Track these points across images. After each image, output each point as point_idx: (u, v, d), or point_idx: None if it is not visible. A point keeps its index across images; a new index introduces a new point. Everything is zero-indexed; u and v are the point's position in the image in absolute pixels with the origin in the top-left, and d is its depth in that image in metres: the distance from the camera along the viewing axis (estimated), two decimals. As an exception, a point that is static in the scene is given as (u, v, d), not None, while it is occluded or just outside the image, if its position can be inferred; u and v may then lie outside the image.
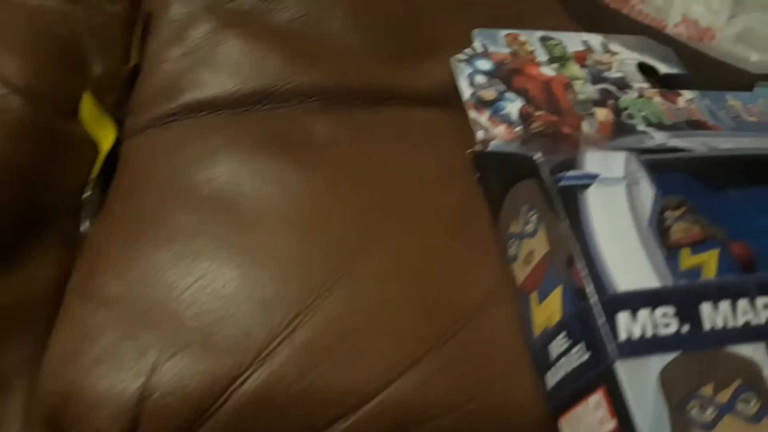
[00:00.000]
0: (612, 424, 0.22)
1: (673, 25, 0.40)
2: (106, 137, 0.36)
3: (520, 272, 0.28)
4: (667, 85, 0.42)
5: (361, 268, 0.29)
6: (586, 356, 0.23)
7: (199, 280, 0.28)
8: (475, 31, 0.40)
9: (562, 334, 0.25)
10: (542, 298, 0.26)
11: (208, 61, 0.37)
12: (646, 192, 0.27)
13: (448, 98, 0.38)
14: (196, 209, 0.31)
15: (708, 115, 0.38)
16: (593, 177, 0.27)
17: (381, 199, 0.32)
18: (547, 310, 0.26)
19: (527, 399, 0.26)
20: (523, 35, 0.40)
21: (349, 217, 0.31)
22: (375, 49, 0.38)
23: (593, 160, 0.28)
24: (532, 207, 0.27)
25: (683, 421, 0.21)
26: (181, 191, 0.32)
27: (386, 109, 0.37)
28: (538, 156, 0.27)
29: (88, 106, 0.37)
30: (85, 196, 0.34)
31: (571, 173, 0.27)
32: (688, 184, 0.30)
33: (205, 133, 0.34)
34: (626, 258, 0.24)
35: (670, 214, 0.28)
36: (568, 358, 0.24)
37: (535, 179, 0.27)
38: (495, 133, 0.34)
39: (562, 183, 0.26)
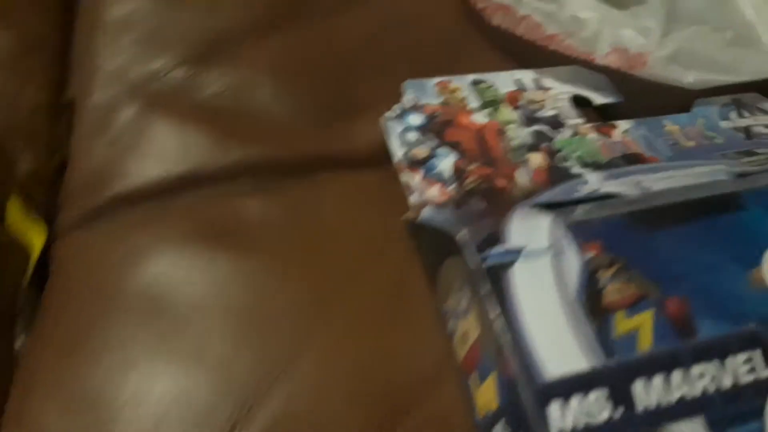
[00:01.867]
0: None
1: (602, 56, 0.40)
2: (35, 240, 0.36)
3: (459, 350, 0.28)
4: (603, 115, 0.41)
5: (298, 365, 0.28)
6: (523, 449, 0.23)
7: (130, 400, 0.27)
8: (405, 84, 0.39)
9: (502, 421, 0.24)
10: (481, 380, 0.26)
11: (134, 148, 0.36)
12: (572, 261, 0.26)
13: (383, 157, 0.37)
14: (128, 315, 0.30)
15: (644, 146, 0.38)
16: (518, 252, 0.26)
17: (316, 281, 0.31)
18: (486, 395, 0.25)
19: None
20: (455, 81, 0.40)
21: (283, 307, 0.30)
22: (304, 116, 0.38)
23: (518, 230, 0.27)
24: (462, 286, 0.27)
25: None
26: (112, 298, 0.31)
27: (319, 177, 0.36)
28: (461, 235, 0.27)
29: (15, 209, 0.36)
30: (17, 308, 0.34)
31: (495, 250, 0.26)
32: (621, 235, 0.29)
33: (135, 228, 0.34)
34: (555, 340, 0.24)
35: (602, 275, 0.28)
36: (509, 447, 0.24)
37: (460, 258, 0.27)
38: (428, 195, 0.34)
39: (487, 263, 0.26)
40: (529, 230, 0.27)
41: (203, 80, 0.38)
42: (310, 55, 0.40)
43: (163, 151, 0.36)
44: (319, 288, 0.31)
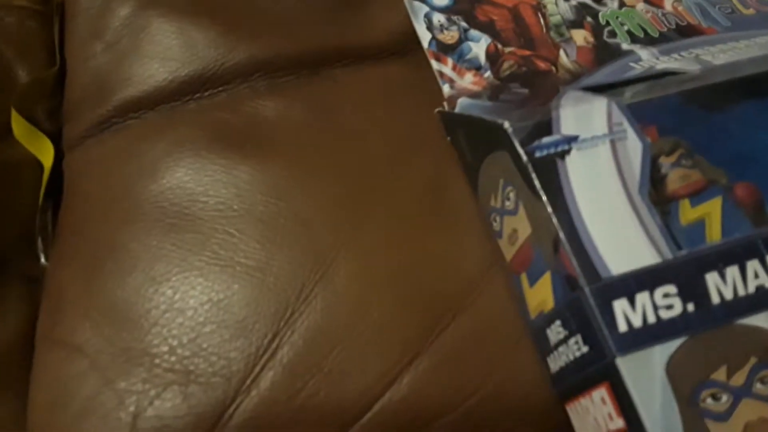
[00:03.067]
0: (620, 422, 0.20)
1: None
2: (45, 154, 0.33)
3: (507, 251, 0.26)
4: (652, -18, 0.37)
5: (336, 271, 0.27)
6: (584, 349, 0.21)
7: (166, 313, 0.26)
8: (427, -43, 0.35)
9: (558, 322, 0.23)
10: (532, 281, 0.24)
11: (134, 52, 0.33)
12: (634, 146, 0.23)
13: (407, 44, 0.34)
14: (151, 229, 0.28)
15: (700, 16, 0.34)
16: (572, 140, 0.23)
17: (347, 184, 0.29)
18: (540, 295, 0.24)
19: (530, 384, 0.25)
20: (483, -50, 0.35)
21: (315, 212, 0.28)
22: (316, 4, 0.34)
23: (570, 116, 0.24)
24: (508, 182, 0.24)
25: (696, 415, 0.20)
26: (132, 211, 0.29)
27: (338, 71, 0.33)
28: (507, 124, 0.24)
29: (19, 122, 0.34)
30: (37, 225, 0.32)
31: (546, 140, 0.23)
32: (682, 115, 0.26)
33: (146, 137, 0.31)
34: (617, 234, 0.22)
35: (664, 161, 0.25)
36: (567, 348, 0.22)
37: (507, 152, 0.24)
38: (462, 84, 0.31)
39: (537, 154, 0.23)
40: (583, 115, 0.24)
41: (202, -32, 0.34)
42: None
43: (166, 52, 0.33)
44: (350, 192, 0.29)
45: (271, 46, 0.33)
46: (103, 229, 0.29)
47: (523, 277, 0.25)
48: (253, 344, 0.25)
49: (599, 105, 0.25)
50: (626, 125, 0.24)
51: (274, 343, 0.25)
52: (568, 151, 0.23)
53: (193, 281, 0.27)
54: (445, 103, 0.30)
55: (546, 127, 0.24)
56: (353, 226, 0.28)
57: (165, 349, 0.25)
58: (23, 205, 0.33)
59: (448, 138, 0.30)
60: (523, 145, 0.23)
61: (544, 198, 0.22)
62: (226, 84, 0.32)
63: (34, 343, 0.29)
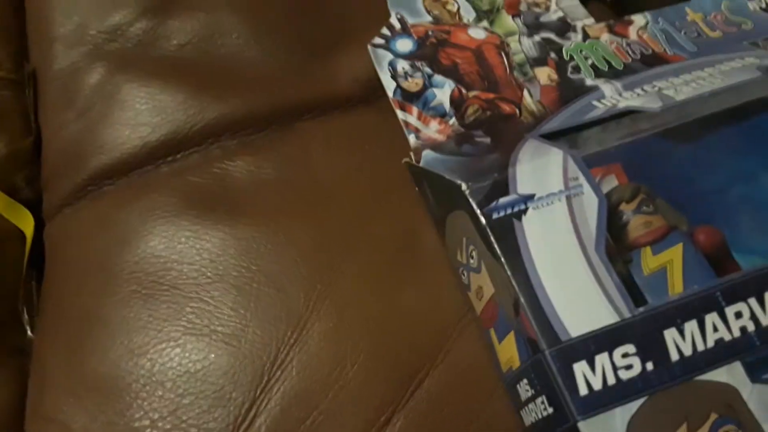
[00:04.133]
0: (585, 483, 0.21)
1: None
2: (26, 224, 0.34)
3: (476, 304, 0.26)
4: (616, 10, 0.37)
5: (310, 333, 0.27)
6: (550, 410, 0.22)
7: (146, 386, 0.27)
8: (389, 1, 0.35)
9: (525, 381, 0.23)
10: (500, 337, 0.24)
11: (105, 119, 0.33)
12: (590, 202, 0.24)
13: (374, 91, 0.34)
14: (129, 300, 0.29)
15: (665, 43, 0.34)
16: (528, 199, 0.24)
17: (318, 242, 0.29)
18: (507, 352, 0.24)
19: (513, 425, 0.25)
20: (445, -9, 0.35)
21: (287, 274, 0.28)
22: (279, 57, 0.34)
23: (528, 173, 0.25)
24: (470, 241, 0.25)
25: (658, 477, 0.20)
26: (109, 282, 0.30)
27: (307, 124, 0.33)
28: (464, 186, 0.24)
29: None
30: (21, 297, 0.33)
31: (503, 201, 0.24)
32: (643, 157, 0.27)
33: (121, 205, 0.32)
34: (575, 294, 0.22)
35: (625, 208, 0.25)
36: (536, 406, 0.23)
37: (466, 212, 0.24)
38: (428, 134, 0.31)
39: (495, 216, 0.23)
40: (539, 171, 0.25)
41: (166, 31, 0.35)
42: (282, -18, 0.36)
43: (136, 117, 0.33)
44: (321, 248, 0.29)
45: (239, 104, 0.33)
46: (82, 302, 0.30)
47: (492, 332, 0.25)
48: (231, 414, 0.26)
49: (555, 159, 0.25)
50: (582, 180, 0.24)
51: (252, 412, 0.26)
52: (524, 211, 0.23)
53: (170, 352, 0.27)
54: (411, 154, 0.30)
55: (503, 185, 0.24)
56: (325, 285, 0.28)
57: (146, 423, 0.26)
58: (9, 277, 0.33)
59: (416, 188, 0.30)
60: (480, 207, 0.24)
61: (503, 260, 0.23)
62: (198, 145, 0.33)
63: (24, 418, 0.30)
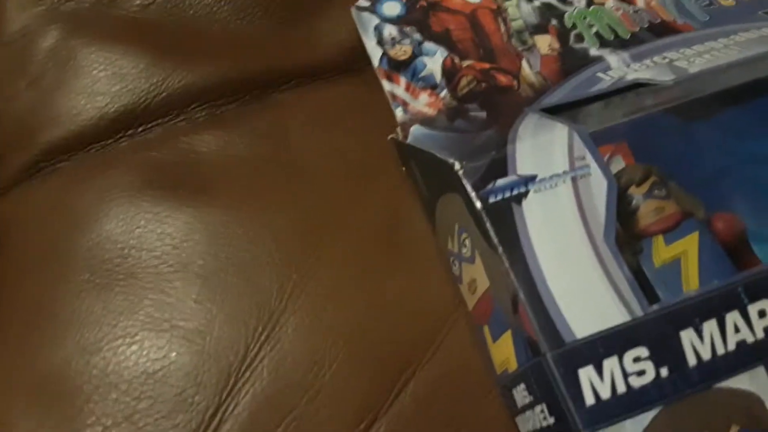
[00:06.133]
0: (591, 503, 0.18)
1: None
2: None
3: (468, 299, 0.24)
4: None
5: (283, 328, 0.25)
6: (551, 420, 0.19)
7: (99, 387, 0.24)
8: (376, -39, 0.32)
9: (522, 385, 0.21)
10: (495, 336, 0.22)
11: (59, 87, 0.30)
12: (599, 184, 0.21)
13: (359, 60, 0.31)
14: (81, 290, 0.26)
15: (675, 11, 0.31)
16: (529, 181, 0.21)
17: (294, 226, 0.27)
18: (503, 353, 0.22)
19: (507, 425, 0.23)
20: (436, -50, 0.32)
21: (259, 262, 0.26)
22: (254, 20, 0.31)
23: (529, 151, 0.22)
24: (463, 228, 0.22)
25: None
26: (62, 269, 0.27)
27: (284, 95, 0.30)
28: (458, 166, 0.21)
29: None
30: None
31: (501, 182, 0.21)
32: (653, 136, 0.24)
33: (76, 183, 0.28)
34: (581, 290, 0.19)
35: (635, 192, 0.23)
36: (534, 414, 0.20)
37: (459, 195, 0.22)
38: (416, 107, 0.28)
39: (492, 200, 0.21)
40: (542, 148, 0.22)
41: (128, -13, 0.32)
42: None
43: (94, 86, 0.30)
44: (297, 233, 0.26)
45: (209, 72, 0.30)
46: (33, 291, 0.27)
47: (486, 330, 0.23)
48: (194, 420, 0.23)
49: (560, 135, 0.22)
50: (589, 158, 0.21)
51: (217, 418, 0.23)
52: (525, 194, 0.21)
53: (126, 350, 0.24)
54: (398, 130, 0.27)
55: (501, 165, 0.22)
56: (302, 274, 0.26)
57: (99, 429, 0.23)
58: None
59: (403, 168, 0.27)
60: (476, 189, 0.21)
61: (500, 250, 0.20)
62: (161, 117, 0.30)
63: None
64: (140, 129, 0.30)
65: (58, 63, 0.31)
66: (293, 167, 0.28)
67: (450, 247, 0.24)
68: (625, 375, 0.18)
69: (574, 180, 0.21)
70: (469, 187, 0.21)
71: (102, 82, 0.30)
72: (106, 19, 0.31)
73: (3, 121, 0.31)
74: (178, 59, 0.30)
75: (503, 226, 0.20)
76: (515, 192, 0.21)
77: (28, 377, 0.25)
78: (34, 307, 0.26)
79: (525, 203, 0.21)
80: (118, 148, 0.29)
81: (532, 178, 0.21)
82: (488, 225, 0.20)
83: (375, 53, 0.29)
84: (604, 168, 0.21)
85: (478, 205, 0.21)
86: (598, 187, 0.21)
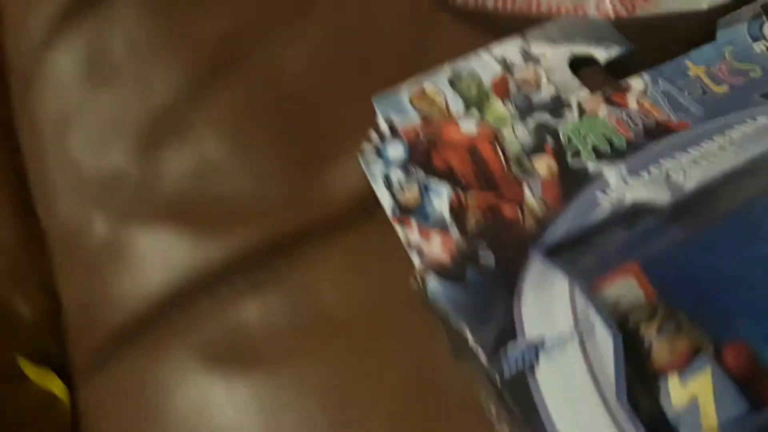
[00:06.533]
0: None
1: (595, 7, 0.33)
2: (58, 389, 0.35)
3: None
4: (612, 73, 0.35)
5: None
6: None
7: None
8: (375, 101, 0.34)
9: None
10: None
11: (116, 271, 0.34)
12: (604, 341, 0.22)
13: (371, 203, 0.33)
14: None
15: (668, 109, 0.31)
16: (537, 347, 0.22)
17: (331, 388, 0.29)
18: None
19: None
20: (429, 83, 0.34)
21: (302, 425, 0.28)
22: (274, 182, 0.33)
23: (533, 309, 0.23)
24: (488, 395, 0.24)
25: None
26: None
27: (309, 251, 0.32)
28: (472, 341, 0.23)
29: (28, 367, 0.35)
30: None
31: (512, 353, 0.22)
32: (657, 264, 0.25)
33: (145, 365, 0.32)
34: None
35: (646, 331, 0.24)
36: None
37: (476, 365, 0.23)
38: (431, 252, 0.30)
39: (507, 375, 0.22)
40: (546, 305, 0.23)
41: (160, 169, 0.35)
42: (262, 103, 0.35)
43: (143, 268, 0.33)
44: (336, 395, 0.29)
45: (240, 241, 0.33)
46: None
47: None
48: None
49: (560, 290, 0.23)
50: (591, 314, 0.23)
51: None
52: (537, 361, 0.22)
53: None
54: (416, 280, 0.29)
55: (510, 330, 0.23)
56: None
57: None
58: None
59: (428, 312, 0.29)
60: (490, 362, 0.23)
61: (520, 422, 0.22)
62: (208, 291, 0.33)
63: None
64: (191, 305, 0.33)
65: (110, 250, 0.34)
66: (327, 324, 0.30)
67: (488, 412, 0.25)
68: None
69: (581, 339, 0.22)
70: (486, 363, 0.23)
71: (150, 264, 0.33)
72: (147, 201, 0.35)
73: (69, 308, 0.35)
74: (211, 235, 0.33)
75: (519, 399, 0.22)
76: (528, 360, 0.22)
77: None
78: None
79: (538, 371, 0.22)
80: (175, 329, 0.32)
81: (541, 342, 0.22)
82: (506, 398, 0.22)
83: (386, 201, 0.31)
84: (608, 322, 0.23)
85: (497, 381, 0.22)
86: (605, 343, 0.22)
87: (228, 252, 0.33)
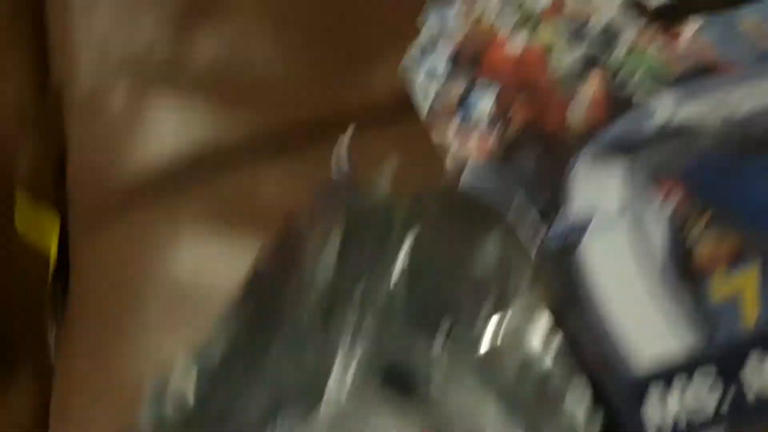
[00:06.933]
0: None
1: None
2: (50, 234, 0.33)
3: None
4: (663, 15, 0.35)
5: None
6: None
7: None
8: (425, 10, 0.33)
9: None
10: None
11: (135, 133, 0.32)
12: (655, 220, 0.22)
13: (411, 103, 0.33)
14: (158, 303, 0.28)
15: (720, 51, 0.32)
16: (586, 224, 0.22)
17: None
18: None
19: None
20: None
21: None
22: (311, 71, 0.33)
23: (583, 191, 0.23)
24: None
25: None
26: (137, 293, 0.29)
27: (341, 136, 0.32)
28: (512, 210, 0.22)
29: (23, 206, 0.33)
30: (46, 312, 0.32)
31: (557, 227, 0.22)
32: (708, 174, 0.25)
33: (151, 219, 0.30)
34: (643, 327, 0.20)
35: (691, 228, 0.23)
36: None
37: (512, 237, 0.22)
38: (466, 151, 0.29)
39: (551, 246, 0.21)
40: (596, 189, 0.23)
41: (193, 44, 0.34)
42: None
43: (166, 133, 0.32)
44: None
45: (272, 118, 0.32)
46: (109, 316, 0.29)
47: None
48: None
49: (613, 175, 0.23)
50: (645, 195, 0.22)
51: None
52: (581, 238, 0.22)
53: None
54: (448, 171, 0.28)
55: (557, 206, 0.23)
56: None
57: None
58: (32, 294, 0.32)
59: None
60: (534, 238, 0.22)
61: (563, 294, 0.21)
62: (230, 161, 0.31)
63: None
64: (210, 171, 0.31)
65: (132, 112, 0.33)
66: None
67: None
68: (690, 404, 0.19)
69: (630, 220, 0.22)
70: (526, 233, 0.22)
71: (175, 129, 0.32)
72: (175, 73, 0.33)
73: (83, 160, 0.33)
74: (242, 109, 0.32)
75: (563, 271, 0.21)
76: (573, 237, 0.22)
77: (107, 383, 0.27)
78: (113, 327, 0.28)
79: (582, 246, 0.21)
80: (191, 190, 0.31)
81: (589, 220, 0.22)
82: (552, 272, 0.21)
83: (424, 101, 0.31)
84: (661, 207, 0.22)
85: (537, 252, 0.22)
86: (655, 225, 0.22)
87: (253, 130, 0.32)
